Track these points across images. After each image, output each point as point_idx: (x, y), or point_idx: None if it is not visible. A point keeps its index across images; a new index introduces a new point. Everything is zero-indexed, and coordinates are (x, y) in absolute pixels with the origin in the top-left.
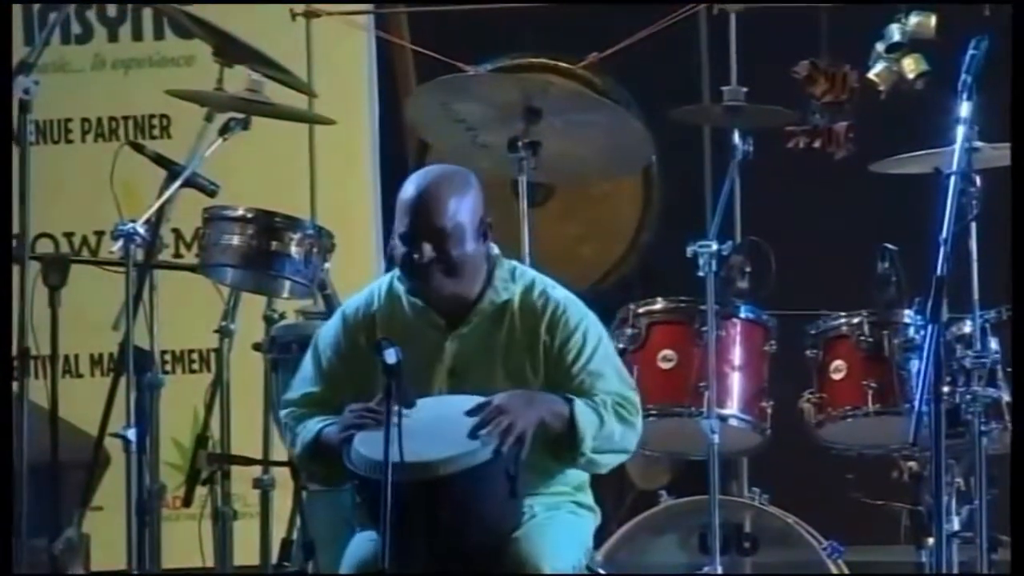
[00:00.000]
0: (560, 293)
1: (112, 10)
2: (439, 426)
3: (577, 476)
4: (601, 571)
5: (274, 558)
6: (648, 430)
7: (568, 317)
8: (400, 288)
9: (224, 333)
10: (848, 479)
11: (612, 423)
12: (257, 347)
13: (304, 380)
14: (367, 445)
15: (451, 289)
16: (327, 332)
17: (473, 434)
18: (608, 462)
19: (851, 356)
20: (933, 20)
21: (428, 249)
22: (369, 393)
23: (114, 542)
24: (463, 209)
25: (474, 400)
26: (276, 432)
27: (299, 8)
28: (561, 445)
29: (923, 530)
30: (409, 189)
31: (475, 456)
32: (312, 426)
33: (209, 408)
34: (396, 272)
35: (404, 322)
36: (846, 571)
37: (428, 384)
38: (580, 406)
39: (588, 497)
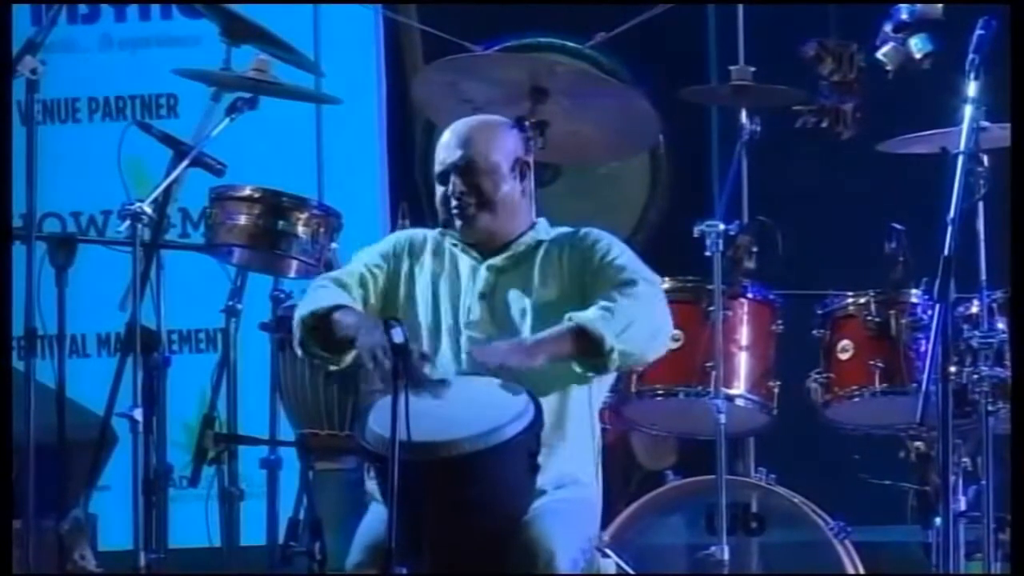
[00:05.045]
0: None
1: None
2: (462, 405)
3: (589, 448)
4: (608, 551)
5: (281, 538)
6: (655, 410)
7: (598, 232)
8: (441, 237)
9: (231, 313)
10: (855, 459)
11: (624, 305)
12: (264, 327)
13: (347, 266)
14: (386, 426)
15: (487, 224)
16: (386, 238)
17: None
18: (643, 349)
19: (858, 336)
20: None
21: (458, 183)
22: (394, 304)
23: (121, 522)
24: (495, 147)
25: (493, 381)
26: (283, 412)
27: None
28: (588, 355)
29: (930, 510)
30: (444, 134)
31: (501, 433)
32: (327, 297)
33: (216, 388)
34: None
35: (443, 251)
36: (852, 551)
37: (459, 305)
38: (583, 315)
39: (596, 469)
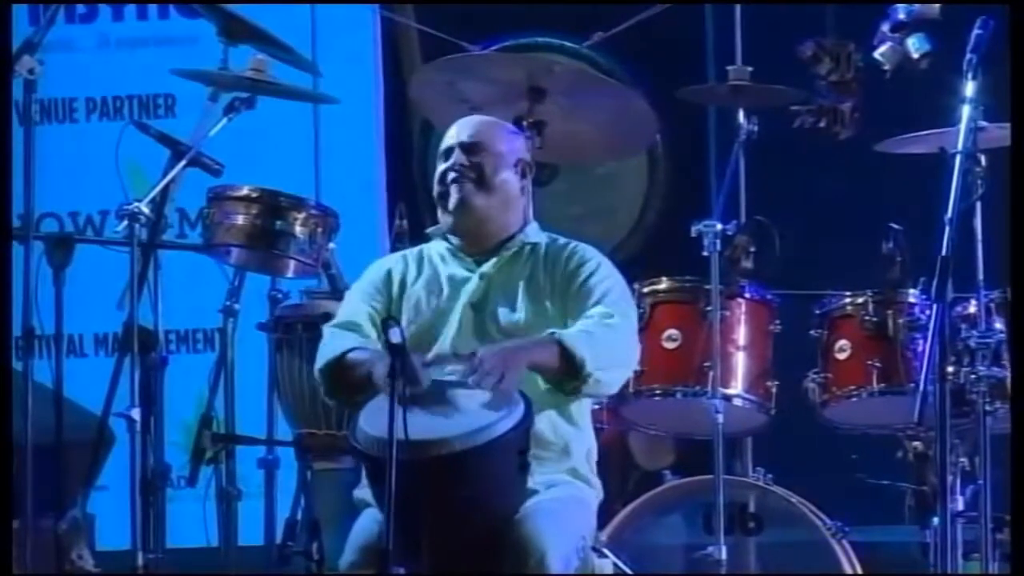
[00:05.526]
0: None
1: None
2: (452, 404)
3: (583, 446)
4: (605, 551)
5: (279, 538)
6: (652, 410)
7: (586, 251)
8: (426, 249)
9: (228, 313)
10: (852, 459)
11: (600, 333)
12: (262, 327)
13: (345, 309)
14: (376, 426)
15: (480, 204)
16: (363, 276)
17: (463, 380)
18: (613, 379)
19: (856, 336)
20: None
21: (461, 157)
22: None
23: (119, 522)
24: (502, 139)
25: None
26: (280, 412)
27: None
28: (566, 375)
29: (928, 510)
30: (454, 125)
31: (491, 431)
32: (341, 344)
33: (213, 388)
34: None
35: (433, 262)
36: (850, 551)
37: (449, 317)
38: (568, 333)
39: (591, 468)
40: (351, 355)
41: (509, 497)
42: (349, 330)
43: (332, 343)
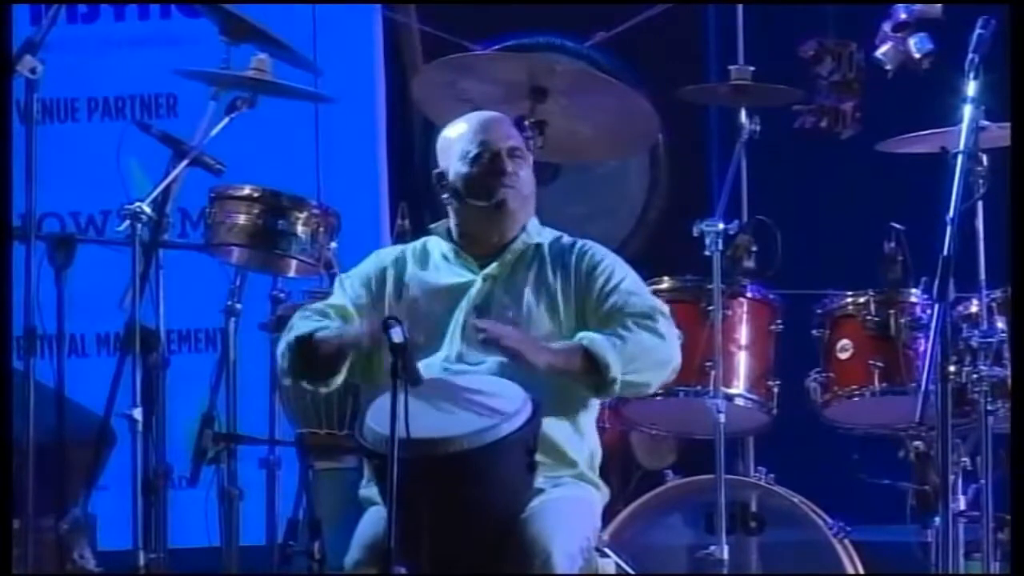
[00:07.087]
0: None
1: None
2: (460, 403)
3: (585, 451)
4: (607, 550)
5: (280, 537)
6: (654, 409)
7: (596, 251)
8: (430, 244)
9: (230, 312)
10: (854, 458)
11: (639, 338)
12: (264, 327)
13: (327, 301)
14: (384, 424)
15: (515, 210)
16: (359, 266)
17: (475, 336)
18: (650, 379)
19: (857, 335)
20: None
21: (510, 164)
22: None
23: (120, 522)
24: (522, 140)
25: (490, 380)
26: (282, 411)
27: None
28: (592, 379)
29: (929, 509)
30: (471, 119)
31: (499, 430)
32: (311, 324)
33: (215, 388)
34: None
35: (435, 262)
36: (852, 550)
37: (452, 320)
38: (595, 338)
39: (594, 473)
40: (320, 333)
41: (516, 497)
42: (320, 316)
43: (300, 325)
